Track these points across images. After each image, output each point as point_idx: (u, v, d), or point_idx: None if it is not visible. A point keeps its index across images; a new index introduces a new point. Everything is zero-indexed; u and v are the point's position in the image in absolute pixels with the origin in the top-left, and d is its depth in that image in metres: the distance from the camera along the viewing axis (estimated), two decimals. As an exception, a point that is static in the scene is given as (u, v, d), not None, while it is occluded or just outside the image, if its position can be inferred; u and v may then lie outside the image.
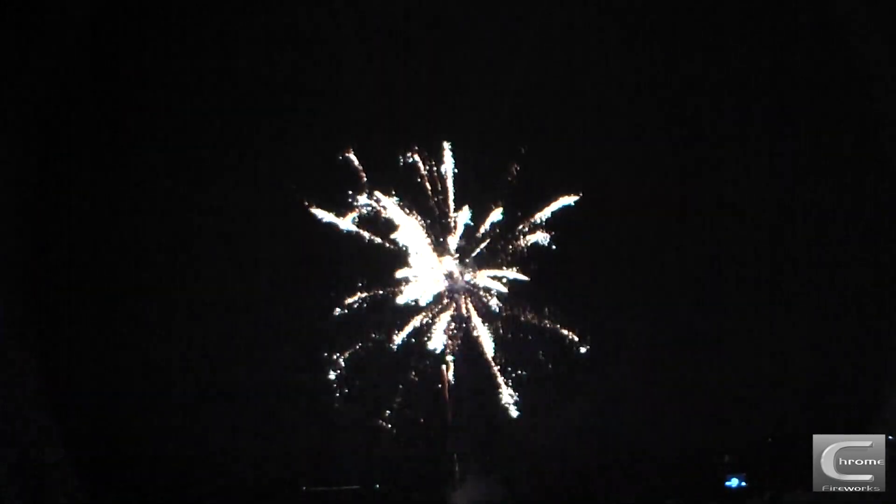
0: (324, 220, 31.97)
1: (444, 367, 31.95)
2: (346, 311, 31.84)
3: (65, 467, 29.99)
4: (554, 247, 32.18)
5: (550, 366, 32.01)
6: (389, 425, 31.77)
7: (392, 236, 32.09)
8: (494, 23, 32.00)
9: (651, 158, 32.58)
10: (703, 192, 32.66)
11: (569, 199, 32.12)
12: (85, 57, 30.92)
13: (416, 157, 31.90)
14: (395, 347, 32.02)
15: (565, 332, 31.96)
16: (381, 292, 32.02)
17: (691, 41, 31.89)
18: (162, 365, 31.46)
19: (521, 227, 32.20)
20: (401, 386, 31.89)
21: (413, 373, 32.00)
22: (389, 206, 31.91)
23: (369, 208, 31.94)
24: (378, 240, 32.06)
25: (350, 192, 32.02)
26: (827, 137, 32.30)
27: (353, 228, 31.96)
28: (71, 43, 30.76)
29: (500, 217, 32.16)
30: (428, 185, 31.98)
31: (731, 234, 32.64)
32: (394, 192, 31.98)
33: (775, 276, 32.40)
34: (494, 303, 32.23)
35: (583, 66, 31.98)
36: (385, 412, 31.75)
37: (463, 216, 32.16)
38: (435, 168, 31.90)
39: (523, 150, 31.96)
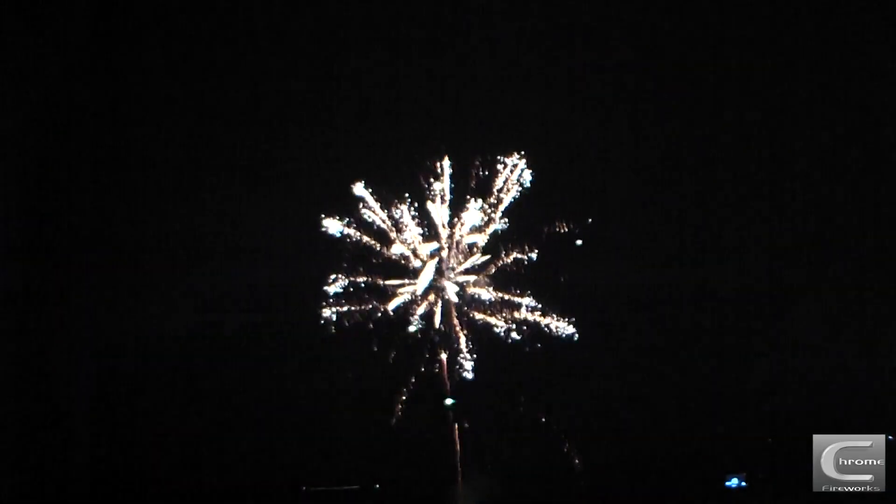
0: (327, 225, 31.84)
1: (444, 365, 31.89)
2: (345, 312, 31.76)
3: (62, 466, 30.05)
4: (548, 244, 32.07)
5: (547, 363, 31.93)
6: (391, 425, 31.71)
7: (392, 239, 31.99)
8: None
9: (654, 152, 32.61)
10: (706, 189, 32.67)
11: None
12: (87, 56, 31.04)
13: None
14: (395, 348, 31.95)
15: (560, 327, 31.83)
16: (378, 289, 31.98)
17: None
18: (161, 364, 31.42)
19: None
20: (402, 387, 31.83)
21: (414, 373, 31.97)
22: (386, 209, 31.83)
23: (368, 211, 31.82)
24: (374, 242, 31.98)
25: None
26: (828, 136, 32.35)
27: (350, 231, 31.82)
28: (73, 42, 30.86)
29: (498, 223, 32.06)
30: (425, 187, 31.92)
31: (732, 234, 32.63)
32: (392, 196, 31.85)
33: (775, 276, 32.37)
34: (488, 297, 32.14)
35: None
36: (387, 412, 31.69)
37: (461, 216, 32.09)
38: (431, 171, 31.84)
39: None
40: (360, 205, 31.50)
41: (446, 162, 31.49)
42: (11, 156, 30.10)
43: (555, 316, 31.58)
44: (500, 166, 31.58)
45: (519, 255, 31.51)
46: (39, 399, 29.94)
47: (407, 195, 31.51)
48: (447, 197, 31.66)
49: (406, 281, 31.72)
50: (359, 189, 31.46)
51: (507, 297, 31.67)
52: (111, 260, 31.52)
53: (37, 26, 30.29)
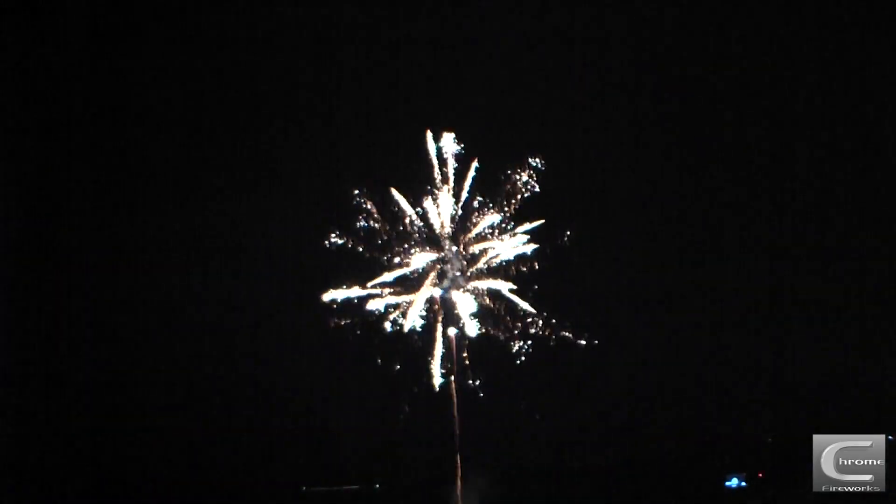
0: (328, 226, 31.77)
1: (448, 367, 31.88)
2: (347, 318, 31.70)
3: (62, 466, 30.09)
4: (551, 250, 32.05)
5: (550, 366, 31.95)
6: (395, 426, 31.70)
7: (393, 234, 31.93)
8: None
9: (652, 156, 32.67)
10: (706, 192, 32.75)
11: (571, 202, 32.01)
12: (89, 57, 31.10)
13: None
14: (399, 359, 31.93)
15: (564, 332, 31.83)
16: (381, 292, 31.92)
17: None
18: (162, 366, 31.45)
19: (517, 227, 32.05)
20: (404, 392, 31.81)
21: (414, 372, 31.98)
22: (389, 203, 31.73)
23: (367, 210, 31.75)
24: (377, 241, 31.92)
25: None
26: (828, 137, 32.43)
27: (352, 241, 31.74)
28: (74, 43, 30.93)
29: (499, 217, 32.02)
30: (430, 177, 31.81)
31: (733, 235, 32.71)
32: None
33: (776, 278, 32.42)
34: (492, 303, 32.14)
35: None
36: (390, 413, 31.69)
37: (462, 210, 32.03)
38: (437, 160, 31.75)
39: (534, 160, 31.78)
40: (363, 212, 31.46)
41: (450, 167, 31.51)
42: (11, 156, 30.14)
43: (555, 321, 31.67)
44: (502, 176, 31.63)
45: (522, 268, 31.56)
46: (39, 399, 29.97)
47: (410, 200, 31.58)
48: (451, 203, 31.72)
49: (409, 287, 31.73)
50: (361, 194, 31.41)
51: (508, 303, 31.74)
52: (111, 260, 31.54)
53: (37, 26, 30.32)
